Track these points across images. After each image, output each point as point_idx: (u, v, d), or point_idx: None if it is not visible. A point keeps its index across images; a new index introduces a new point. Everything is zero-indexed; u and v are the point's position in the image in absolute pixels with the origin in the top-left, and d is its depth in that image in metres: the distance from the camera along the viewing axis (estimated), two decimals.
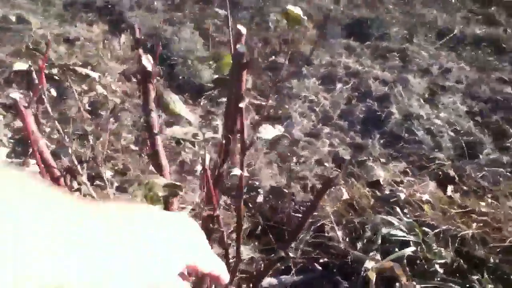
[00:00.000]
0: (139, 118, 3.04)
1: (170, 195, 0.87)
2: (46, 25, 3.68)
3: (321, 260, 2.13)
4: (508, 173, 2.58)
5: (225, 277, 0.55)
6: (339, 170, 1.14)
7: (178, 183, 0.98)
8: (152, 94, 1.49)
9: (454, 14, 4.20)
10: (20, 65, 1.46)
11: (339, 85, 3.34)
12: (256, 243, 2.25)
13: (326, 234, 2.23)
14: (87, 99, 2.11)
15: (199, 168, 1.10)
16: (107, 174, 1.64)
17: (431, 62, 3.56)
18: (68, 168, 1.47)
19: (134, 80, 3.45)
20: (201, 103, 3.29)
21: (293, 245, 2.12)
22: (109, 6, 4.07)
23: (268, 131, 1.09)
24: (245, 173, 1.66)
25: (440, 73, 3.47)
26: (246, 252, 2.16)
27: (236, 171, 1.25)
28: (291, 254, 1.99)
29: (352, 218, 2.29)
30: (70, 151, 1.54)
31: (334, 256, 2.15)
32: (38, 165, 1.32)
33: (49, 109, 1.33)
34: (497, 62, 3.58)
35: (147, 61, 1.28)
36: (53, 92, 1.41)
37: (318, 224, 2.26)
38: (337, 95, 3.25)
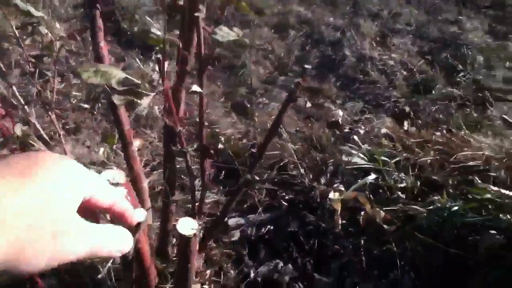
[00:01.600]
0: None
1: (127, 101, 0.82)
2: None
3: (286, 197, 2.14)
4: (459, 104, 2.67)
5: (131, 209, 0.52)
6: (300, 80, 1.11)
7: (137, 81, 0.93)
8: (100, 22, 1.40)
9: None
10: None
11: (292, 33, 3.31)
12: (221, 187, 2.23)
13: (290, 173, 2.23)
14: (29, 40, 1.96)
15: (155, 76, 1.04)
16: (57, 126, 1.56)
17: (381, 6, 3.58)
18: (14, 106, 1.38)
19: (79, 38, 3.27)
20: (152, 58, 3.17)
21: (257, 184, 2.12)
22: None
23: (225, 33, 1.05)
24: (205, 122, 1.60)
25: (390, 17, 3.51)
26: (212, 196, 2.13)
27: (196, 88, 1.20)
28: (256, 178, 1.98)
29: (314, 155, 2.30)
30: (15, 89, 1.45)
31: (299, 193, 2.16)
32: None
33: None
34: (443, 5, 3.66)
35: None
36: None
37: (282, 163, 2.26)
38: (291, 43, 3.23)
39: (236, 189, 1.52)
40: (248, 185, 1.56)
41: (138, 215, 0.86)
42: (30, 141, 1.54)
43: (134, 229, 0.83)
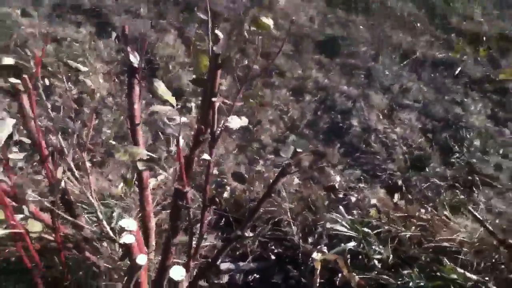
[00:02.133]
0: (119, 116, 3.26)
1: (148, 167, 1.13)
2: (35, 24, 3.87)
3: (275, 251, 2.40)
4: (449, 185, 2.90)
5: None
6: (291, 160, 1.42)
7: (155, 156, 1.23)
8: (136, 88, 1.74)
9: (418, 37, 4.55)
10: (8, 60, 1.69)
11: (307, 97, 3.63)
12: (219, 233, 2.50)
13: (283, 229, 2.50)
14: (75, 91, 2.33)
15: (174, 149, 1.36)
16: (87, 165, 1.88)
17: (393, 81, 3.88)
18: (55, 148, 1.71)
19: (117, 80, 3.67)
20: (179, 106, 3.52)
21: (251, 233, 2.38)
22: (97, 9, 4.28)
23: (235, 121, 1.35)
24: (215, 171, 1.90)
25: (401, 91, 3.79)
26: (210, 239, 2.41)
27: (206, 156, 1.51)
28: (246, 234, 2.25)
29: (307, 215, 2.56)
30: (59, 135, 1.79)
31: (288, 248, 2.42)
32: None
33: (43, 96, 1.57)
34: (452, 85, 3.92)
35: (134, 58, 1.53)
36: (46, 82, 1.64)
37: (276, 219, 2.52)
38: (306, 106, 3.54)
39: (229, 240, 1.80)
40: (238, 240, 1.84)
41: (141, 259, 1.18)
42: (65, 179, 1.88)
43: (136, 269, 1.18)
